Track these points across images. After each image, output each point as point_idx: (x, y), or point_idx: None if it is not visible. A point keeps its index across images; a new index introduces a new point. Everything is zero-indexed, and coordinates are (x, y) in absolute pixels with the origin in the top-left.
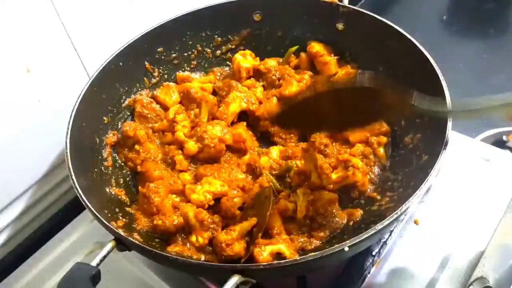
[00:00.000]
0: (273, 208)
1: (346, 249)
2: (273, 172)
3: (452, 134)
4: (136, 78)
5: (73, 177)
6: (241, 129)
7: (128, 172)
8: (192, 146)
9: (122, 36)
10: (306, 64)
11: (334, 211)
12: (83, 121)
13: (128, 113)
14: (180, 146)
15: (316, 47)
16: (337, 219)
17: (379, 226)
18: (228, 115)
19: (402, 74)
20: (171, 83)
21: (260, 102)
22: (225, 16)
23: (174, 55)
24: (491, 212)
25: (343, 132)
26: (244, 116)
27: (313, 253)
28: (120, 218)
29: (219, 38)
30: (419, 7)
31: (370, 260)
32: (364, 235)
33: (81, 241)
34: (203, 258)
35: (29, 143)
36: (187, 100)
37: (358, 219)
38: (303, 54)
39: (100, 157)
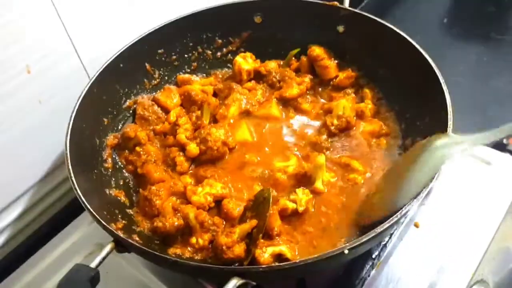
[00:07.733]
0: (272, 208)
1: (346, 251)
2: None
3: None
4: (137, 80)
5: (73, 178)
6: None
7: (128, 174)
8: (194, 148)
9: (123, 37)
10: (307, 67)
11: None
12: (83, 122)
13: (128, 115)
14: (182, 148)
15: (317, 50)
16: None
17: (379, 229)
18: (228, 117)
19: (403, 77)
20: (172, 86)
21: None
22: (226, 18)
23: (174, 56)
24: (491, 216)
25: None
26: None
27: (313, 255)
28: (120, 219)
29: (220, 40)
30: (420, 10)
31: (370, 263)
32: (364, 238)
33: (80, 242)
34: (202, 260)
35: (29, 144)
36: (188, 102)
37: None
38: (303, 58)
39: (100, 159)
